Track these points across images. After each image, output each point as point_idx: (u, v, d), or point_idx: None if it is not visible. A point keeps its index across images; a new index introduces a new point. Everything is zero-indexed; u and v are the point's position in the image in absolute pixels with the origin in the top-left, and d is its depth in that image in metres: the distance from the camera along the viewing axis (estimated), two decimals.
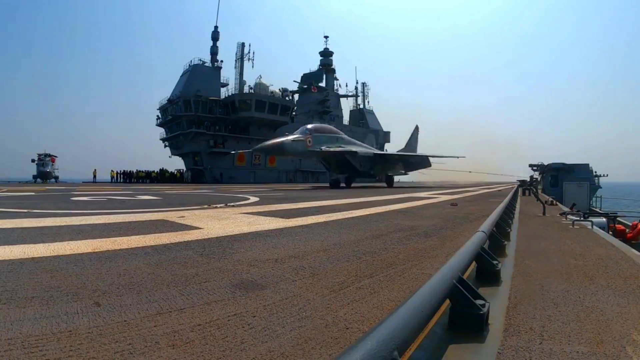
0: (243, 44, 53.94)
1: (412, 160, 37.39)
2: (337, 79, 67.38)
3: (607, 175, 37.38)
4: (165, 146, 53.30)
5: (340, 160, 29.35)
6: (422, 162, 37.58)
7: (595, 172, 36.26)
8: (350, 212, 8.10)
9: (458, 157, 34.96)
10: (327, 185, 32.95)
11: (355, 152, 29.65)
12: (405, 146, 46.72)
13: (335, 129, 31.95)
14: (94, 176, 44.34)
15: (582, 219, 7.58)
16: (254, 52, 53.53)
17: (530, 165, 39.78)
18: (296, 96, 61.47)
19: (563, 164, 36.04)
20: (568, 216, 7.84)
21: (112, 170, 47.04)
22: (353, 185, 32.86)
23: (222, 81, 52.49)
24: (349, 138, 32.21)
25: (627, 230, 16.09)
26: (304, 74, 63.64)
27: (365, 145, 34.80)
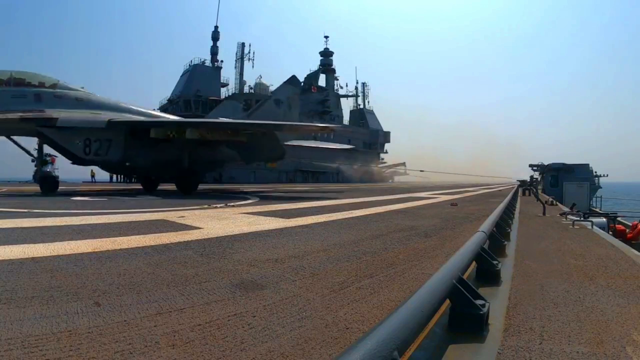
0: (243, 44, 54.00)
1: (227, 133, 16.57)
2: (338, 79, 67.42)
3: (607, 175, 37.38)
4: None
5: (46, 140, 14.65)
6: (264, 142, 17.50)
7: (595, 172, 36.27)
8: (350, 212, 8.10)
9: (326, 128, 17.71)
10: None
11: (55, 120, 13.84)
12: (253, 112, 25.40)
13: (39, 75, 14.97)
14: (92, 176, 44.12)
15: (582, 219, 7.58)
16: (254, 52, 53.56)
17: (530, 165, 39.79)
18: None
19: (563, 164, 36.05)
20: (568, 216, 7.84)
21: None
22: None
23: (222, 81, 52.46)
24: (84, 95, 15.69)
25: (627, 230, 16.08)
26: (308, 75, 63.58)
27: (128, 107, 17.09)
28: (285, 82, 26.88)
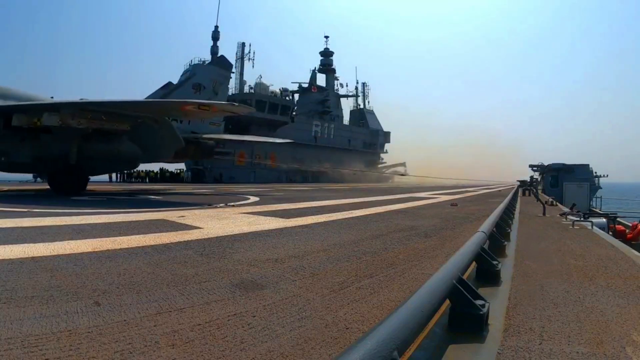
0: (243, 44, 53.99)
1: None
2: (338, 79, 67.39)
3: (607, 175, 37.39)
4: None
5: None
6: (156, 131, 15.06)
7: (595, 172, 36.29)
8: (350, 212, 8.10)
9: (209, 107, 13.93)
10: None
11: None
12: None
13: None
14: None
15: (582, 219, 7.58)
16: (254, 52, 53.54)
17: (531, 166, 39.79)
18: (296, 96, 61.47)
19: (563, 164, 36.07)
20: (568, 216, 7.84)
21: None
22: None
23: None
24: None
25: (627, 230, 16.09)
26: (311, 76, 63.50)
27: None
28: (209, 63, 22.34)
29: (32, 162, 13.97)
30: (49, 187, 15.09)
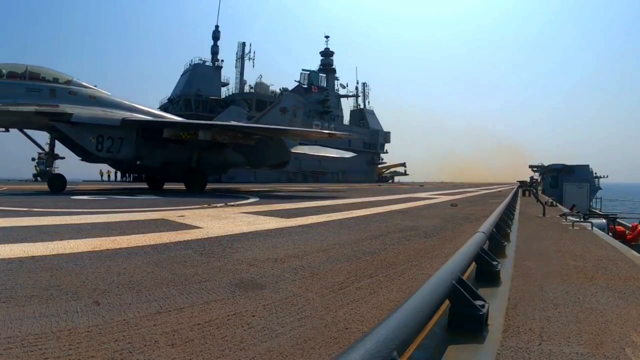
0: (244, 44, 54.12)
1: (237, 137, 17.02)
2: (338, 79, 67.43)
3: (607, 176, 37.43)
4: None
5: (58, 135, 14.91)
6: (272, 147, 18.72)
7: (596, 173, 36.33)
8: (350, 212, 8.10)
9: (333, 135, 19.82)
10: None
11: (70, 115, 14.09)
12: (260, 119, 24.11)
13: (53, 71, 14.99)
14: (101, 175, 43.93)
15: (581, 220, 7.58)
16: (254, 52, 53.67)
17: (531, 166, 39.83)
18: None
19: (563, 165, 36.11)
20: (568, 217, 7.84)
21: (100, 170, 45.08)
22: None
23: (222, 80, 52.54)
24: (96, 93, 15.71)
25: (627, 231, 16.11)
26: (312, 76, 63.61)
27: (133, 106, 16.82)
28: (291, 91, 28.20)
29: (160, 166, 17.13)
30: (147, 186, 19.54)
